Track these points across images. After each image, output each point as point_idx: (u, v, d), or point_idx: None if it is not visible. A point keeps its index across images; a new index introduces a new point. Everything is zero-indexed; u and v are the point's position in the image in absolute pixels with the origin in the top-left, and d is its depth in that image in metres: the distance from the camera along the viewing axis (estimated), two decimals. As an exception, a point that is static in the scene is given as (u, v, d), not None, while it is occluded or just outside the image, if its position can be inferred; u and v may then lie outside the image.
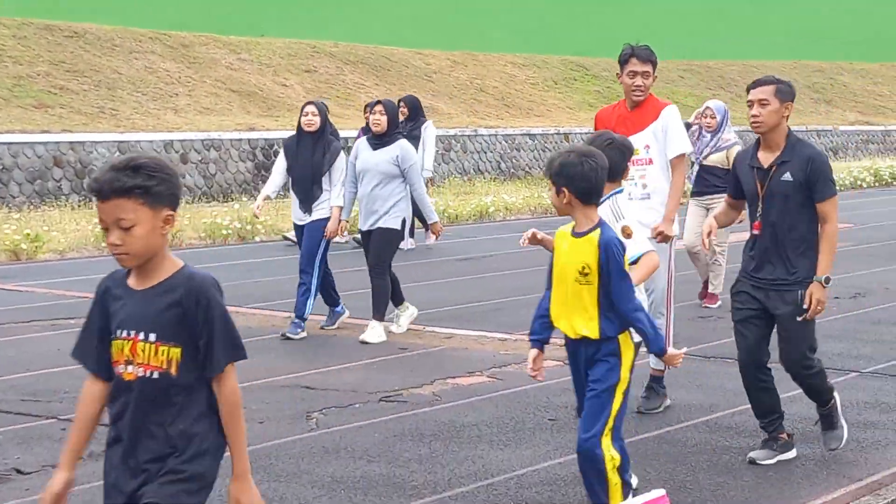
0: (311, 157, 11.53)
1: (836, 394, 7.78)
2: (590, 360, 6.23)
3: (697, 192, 13.21)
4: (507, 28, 42.12)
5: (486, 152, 33.16)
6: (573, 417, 8.57)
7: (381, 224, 11.40)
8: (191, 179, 26.63)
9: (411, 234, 17.93)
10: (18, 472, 7.27)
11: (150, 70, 30.38)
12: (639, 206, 8.48)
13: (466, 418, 8.58)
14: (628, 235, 6.38)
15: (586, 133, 36.10)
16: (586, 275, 6.03)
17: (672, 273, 8.83)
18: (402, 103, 18.32)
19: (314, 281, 11.59)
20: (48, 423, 8.34)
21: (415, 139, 17.44)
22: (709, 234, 7.55)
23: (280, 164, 11.92)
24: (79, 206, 22.84)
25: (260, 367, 10.01)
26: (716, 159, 13.05)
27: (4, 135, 23.79)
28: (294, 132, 11.94)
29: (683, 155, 8.78)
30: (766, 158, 7.40)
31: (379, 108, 11.61)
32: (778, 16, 53.30)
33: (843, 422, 7.82)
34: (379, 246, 11.41)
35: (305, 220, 11.64)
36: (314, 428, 8.31)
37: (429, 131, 18.34)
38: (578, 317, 6.13)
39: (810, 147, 7.48)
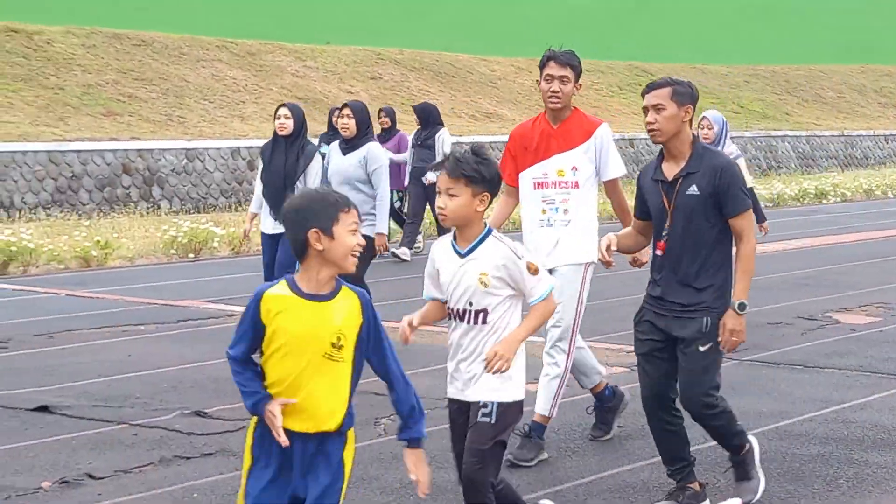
0: (283, 161, 10.91)
1: (752, 440, 6.94)
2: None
3: None
4: (570, 34, 42.06)
5: (550, 158, 33.10)
6: (641, 425, 8.54)
7: None
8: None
9: (410, 246, 17.89)
10: (91, 477, 7.33)
11: (217, 78, 30.60)
12: (557, 234, 7.75)
13: (534, 425, 8.54)
14: (535, 272, 5.60)
15: (651, 138, 36.07)
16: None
17: (583, 303, 7.86)
18: (382, 113, 18.12)
19: None
20: (119, 429, 8.40)
21: (428, 148, 17.28)
22: (608, 247, 6.76)
23: (260, 173, 11.36)
24: (147, 213, 23.04)
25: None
26: None
27: (74, 143, 24.06)
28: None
29: (618, 180, 7.99)
30: (670, 170, 6.57)
31: (346, 111, 10.97)
32: (844, 19, 52.87)
33: (759, 472, 6.95)
34: None
35: (277, 229, 10.74)
36: (382, 434, 8.33)
37: (444, 139, 17.78)
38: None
39: (719, 156, 6.61)
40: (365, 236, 10.14)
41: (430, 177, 16.77)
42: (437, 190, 5.68)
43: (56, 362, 10.43)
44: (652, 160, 6.76)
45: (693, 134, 6.53)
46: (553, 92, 7.84)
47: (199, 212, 23.05)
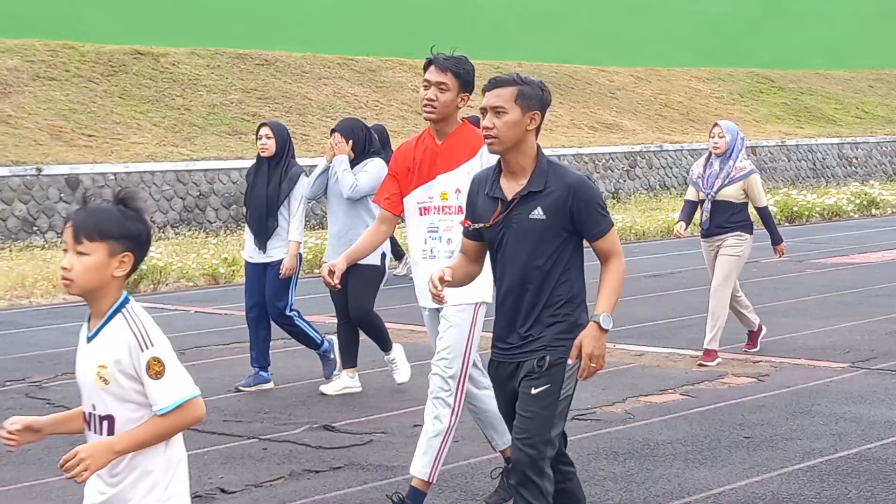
0: (266, 185, 10.10)
1: None
2: None
3: (707, 233, 11.12)
4: (690, 43, 41.72)
5: (671, 167, 32.89)
6: (769, 436, 8.45)
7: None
8: (380, 201, 26.96)
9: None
10: (223, 491, 7.43)
11: (339, 95, 30.86)
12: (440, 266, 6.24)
13: (660, 436, 8.50)
14: (156, 375, 4.12)
15: (774, 146, 35.61)
16: None
17: (472, 349, 6.85)
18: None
19: (299, 323, 10.33)
20: (250, 444, 8.50)
21: None
22: (439, 279, 5.54)
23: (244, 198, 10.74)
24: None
25: (453, 386, 10.05)
26: (730, 193, 10.93)
27: (201, 162, 24.43)
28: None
29: None
30: (509, 188, 5.50)
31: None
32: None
33: None
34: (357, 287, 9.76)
35: (259, 258, 10.19)
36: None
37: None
38: None
39: (568, 173, 5.50)
40: (369, 266, 9.49)
41: None
42: (64, 248, 4.19)
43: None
44: (486, 170, 5.73)
45: (538, 146, 5.52)
46: (428, 100, 6.72)
47: (322, 227, 23.23)
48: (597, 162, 31.38)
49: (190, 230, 22.83)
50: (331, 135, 9.96)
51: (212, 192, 24.33)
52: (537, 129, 5.54)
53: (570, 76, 37.05)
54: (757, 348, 11.45)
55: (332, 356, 10.36)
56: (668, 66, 40.36)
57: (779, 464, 7.78)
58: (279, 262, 10.06)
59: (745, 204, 11.08)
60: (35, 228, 22.39)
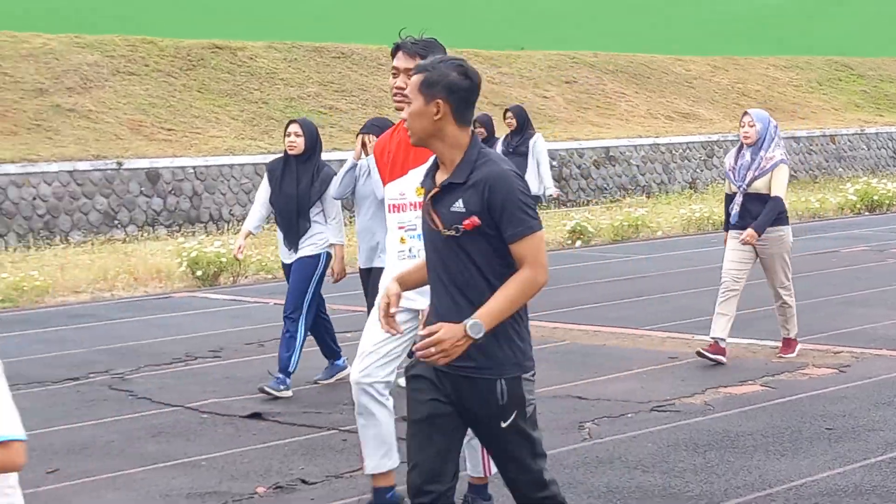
0: (296, 184, 9.82)
1: None
2: None
3: (740, 227, 10.53)
4: (767, 30, 41.36)
5: (749, 157, 32.62)
6: (851, 427, 8.37)
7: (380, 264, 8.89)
8: (456, 193, 26.99)
9: None
10: (303, 482, 7.46)
11: (415, 87, 30.89)
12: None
13: (741, 427, 8.44)
14: None
15: (853, 134, 35.24)
16: None
17: None
18: (476, 123, 16.69)
19: (301, 330, 9.88)
20: (330, 435, 8.54)
21: (521, 155, 15.68)
22: (388, 304, 4.97)
23: (262, 193, 10.24)
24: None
25: (531, 377, 10.05)
26: (761, 185, 10.41)
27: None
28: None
29: None
30: (439, 179, 4.94)
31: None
32: None
33: None
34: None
35: (292, 258, 9.98)
36: (587, 438, 8.31)
37: (538, 146, 15.85)
38: None
39: (493, 164, 4.83)
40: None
41: (551, 190, 15.93)
42: None
43: (267, 370, 10.65)
44: (430, 162, 5.13)
45: (473, 134, 4.95)
46: (398, 89, 6.22)
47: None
48: (673, 152, 31.20)
49: (268, 223, 22.91)
50: (357, 137, 9.18)
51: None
52: (456, 117, 4.88)
53: (646, 65, 36.84)
54: (794, 351, 10.79)
55: (337, 371, 10.35)
56: (745, 55, 40.02)
57: (861, 455, 7.70)
58: (306, 258, 9.86)
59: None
60: (116, 222, 22.65)
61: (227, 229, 22.64)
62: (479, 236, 4.77)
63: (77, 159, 22.67)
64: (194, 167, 23.82)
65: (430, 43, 6.33)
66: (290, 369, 9.73)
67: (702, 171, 31.47)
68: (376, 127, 9.11)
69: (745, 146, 10.62)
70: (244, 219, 23.22)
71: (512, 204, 4.76)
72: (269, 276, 17.03)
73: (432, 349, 4.64)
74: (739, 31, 40.54)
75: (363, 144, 8.86)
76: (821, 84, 40.02)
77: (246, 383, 10.19)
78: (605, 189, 29.41)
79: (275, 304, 14.54)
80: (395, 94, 6.26)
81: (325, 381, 10.24)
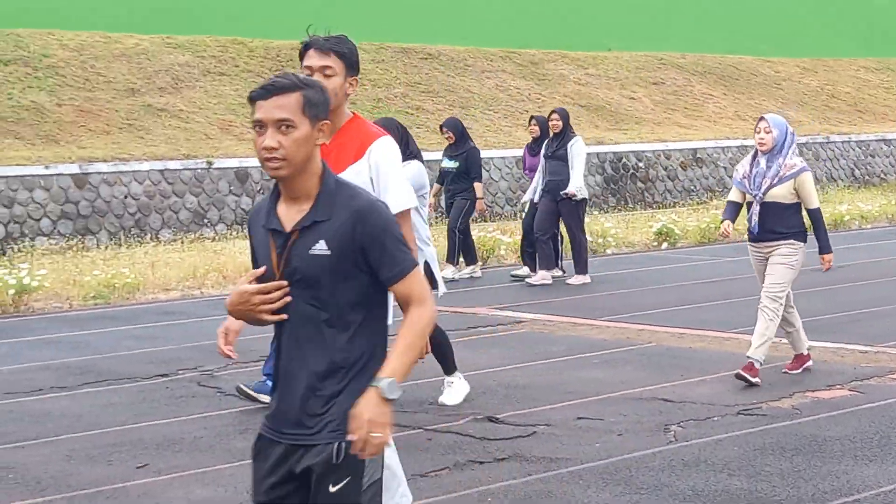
0: None
1: None
2: None
3: (757, 238, 9.92)
4: (858, 32, 40.89)
5: (838, 159, 32.27)
6: (941, 433, 8.24)
7: None
8: (542, 194, 26.93)
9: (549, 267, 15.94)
10: (389, 480, 7.49)
11: (501, 88, 30.90)
12: None
13: (828, 432, 8.36)
14: None
15: (945, 137, 34.70)
16: None
17: None
18: (532, 121, 16.66)
19: None
20: (415, 434, 8.56)
21: (560, 159, 15.46)
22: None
23: None
24: (436, 221, 23.41)
25: (616, 379, 10.02)
26: (779, 193, 9.72)
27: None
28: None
29: (406, 213, 5.79)
30: (289, 217, 4.24)
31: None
32: None
33: None
34: None
35: None
36: (673, 441, 8.26)
37: (576, 148, 15.53)
38: None
39: (361, 195, 4.22)
40: None
41: (572, 189, 15.53)
42: None
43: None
44: (264, 199, 4.39)
45: (323, 163, 4.26)
46: None
47: (485, 220, 23.28)
48: (761, 154, 30.95)
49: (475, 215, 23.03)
50: None
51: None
52: (319, 144, 4.27)
53: (735, 67, 36.56)
54: (798, 371, 10.21)
55: None
56: (834, 57, 39.58)
57: (951, 462, 7.59)
58: None
59: (798, 206, 9.86)
60: (206, 220, 22.86)
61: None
62: (343, 279, 4.16)
63: (168, 158, 22.90)
64: (282, 167, 23.98)
65: (342, 38, 5.80)
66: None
67: (790, 173, 31.23)
68: (383, 128, 8.91)
69: (760, 153, 9.84)
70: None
71: (387, 240, 4.17)
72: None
73: (374, 435, 4.06)
74: (829, 33, 40.10)
75: None
76: (913, 86, 39.48)
77: (332, 381, 10.22)
78: (692, 191, 29.21)
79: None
80: None
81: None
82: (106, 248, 20.24)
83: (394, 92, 28.99)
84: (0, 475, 7.75)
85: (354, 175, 5.56)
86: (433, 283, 8.94)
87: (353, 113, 5.81)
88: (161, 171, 22.53)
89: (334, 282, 4.17)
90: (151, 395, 9.91)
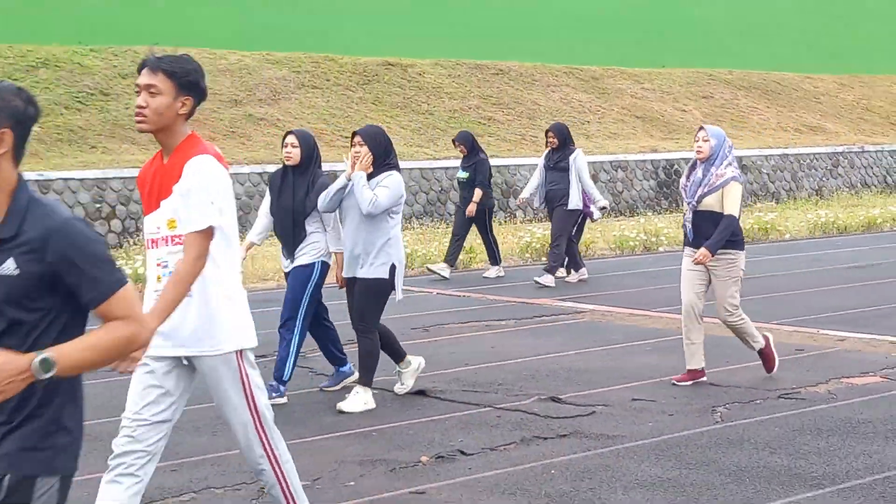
0: (292, 195, 8.90)
1: None
2: None
3: (695, 245, 9.13)
4: (892, 50, 40.32)
5: (872, 167, 31.88)
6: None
7: (361, 274, 8.63)
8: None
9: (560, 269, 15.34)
10: (462, 453, 7.51)
11: (565, 101, 30.81)
12: (179, 310, 5.08)
13: (861, 415, 8.26)
14: None
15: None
16: None
17: (255, 398, 5.39)
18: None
19: (296, 337, 8.95)
20: (486, 411, 8.57)
21: (561, 170, 14.89)
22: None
23: (265, 204, 9.28)
24: (504, 221, 23.40)
25: (668, 365, 9.97)
26: (711, 202, 8.98)
27: (442, 161, 24.70)
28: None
29: (203, 233, 5.03)
30: None
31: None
32: None
33: None
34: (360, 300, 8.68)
35: (289, 267, 9.12)
36: (719, 421, 8.21)
37: (578, 161, 14.88)
38: None
39: (56, 213, 3.55)
40: (369, 278, 8.56)
41: (600, 204, 15.12)
42: None
43: (431, 352, 10.72)
44: None
45: (19, 176, 3.59)
46: (138, 107, 5.07)
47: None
48: (801, 162, 30.62)
49: (432, 221, 23.10)
50: (352, 138, 8.71)
51: (451, 188, 24.57)
52: (20, 153, 3.58)
53: (778, 83, 36.21)
54: (689, 384, 9.24)
55: (343, 378, 9.38)
56: (870, 73, 39.09)
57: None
58: (300, 267, 8.99)
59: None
60: (299, 218, 23.01)
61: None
62: (31, 302, 3.51)
63: (266, 162, 23.05)
64: (368, 171, 24.09)
65: (179, 58, 5.15)
66: (285, 378, 8.89)
67: (827, 179, 30.82)
68: (370, 135, 8.59)
69: (698, 162, 9.16)
70: (412, 217, 23.46)
71: (85, 261, 3.50)
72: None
73: None
74: (866, 51, 39.58)
75: (353, 161, 8.52)
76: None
77: (412, 364, 10.25)
78: (738, 195, 28.99)
79: (437, 293, 14.64)
80: (136, 114, 5.09)
81: (332, 389, 9.31)
82: (211, 242, 20.38)
83: (468, 104, 28.99)
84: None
85: (181, 195, 5.07)
86: (389, 290, 8.61)
87: (191, 132, 5.20)
88: (260, 174, 22.69)
89: (19, 305, 3.50)
90: (251, 373, 9.96)
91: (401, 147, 25.52)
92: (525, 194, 15.87)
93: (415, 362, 9.21)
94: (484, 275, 16.21)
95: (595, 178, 26.27)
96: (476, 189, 15.87)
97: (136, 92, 5.14)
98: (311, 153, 8.99)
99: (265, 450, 5.41)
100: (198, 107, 5.15)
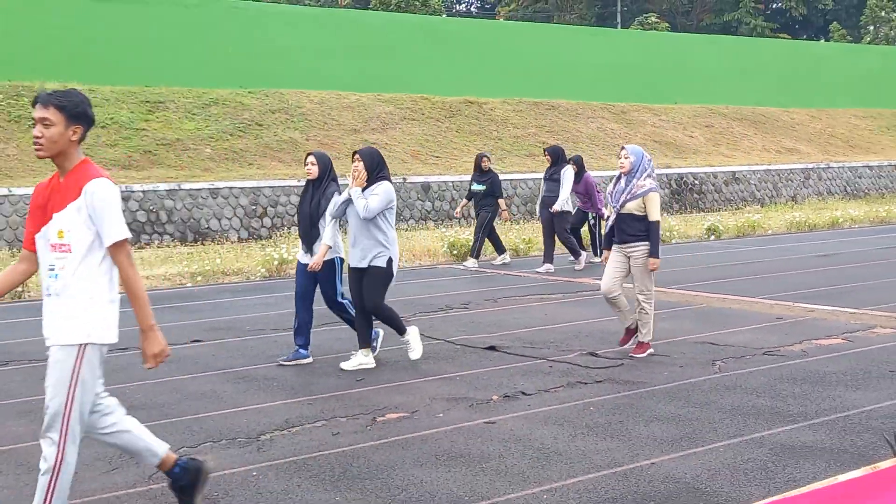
0: (310, 202, 8.56)
1: None
2: None
3: (619, 241, 8.64)
4: (852, 90, 39.43)
5: (835, 180, 31.24)
6: (908, 371, 7.93)
7: (366, 264, 8.30)
8: (627, 201, 26.62)
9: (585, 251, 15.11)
10: (523, 393, 7.47)
11: (601, 130, 30.56)
12: (52, 306, 4.59)
13: (827, 368, 8.10)
14: None
15: (912, 164, 33.26)
16: None
17: (77, 389, 4.53)
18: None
19: (347, 307, 8.67)
20: (540, 363, 8.51)
21: (555, 181, 14.46)
22: None
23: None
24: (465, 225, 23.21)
25: (678, 328, 9.85)
26: (632, 207, 8.51)
27: (508, 174, 24.59)
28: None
29: (124, 241, 4.59)
30: None
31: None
32: None
33: None
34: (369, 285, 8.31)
35: (306, 259, 8.62)
36: (717, 372, 8.09)
37: (566, 175, 14.47)
38: None
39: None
40: (378, 267, 8.22)
41: (557, 207, 14.44)
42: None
43: (499, 318, 10.70)
44: None
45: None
46: (35, 137, 4.63)
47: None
48: (780, 175, 30.11)
49: (498, 221, 22.96)
50: (353, 156, 8.28)
51: (514, 195, 24.50)
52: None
53: (763, 115, 35.60)
54: (644, 353, 8.61)
55: (299, 358, 8.63)
56: (834, 107, 38.30)
57: (915, 391, 7.31)
58: (325, 261, 8.52)
59: (645, 217, 8.52)
60: (401, 218, 23.04)
61: (475, 223, 22.78)
62: None
63: (377, 175, 23.14)
64: (452, 181, 24.05)
65: (67, 92, 4.65)
66: (372, 340, 8.54)
67: (801, 188, 30.27)
68: (368, 155, 8.24)
69: (622, 175, 8.62)
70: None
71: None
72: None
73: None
74: (831, 91, 38.76)
75: (354, 177, 8.23)
76: (889, 129, 37.98)
77: (486, 326, 10.24)
78: (731, 200, 28.56)
79: (504, 273, 14.59)
80: (34, 143, 4.63)
81: (287, 363, 8.56)
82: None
83: (527, 132, 28.86)
84: (268, 383, 7.93)
85: (76, 211, 4.56)
86: (390, 277, 8.25)
87: (85, 157, 4.65)
88: (372, 184, 22.76)
89: None
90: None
91: (477, 164, 25.39)
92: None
93: (414, 332, 8.62)
94: (494, 262, 15.61)
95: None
96: (499, 199, 15.28)
97: (32, 124, 4.73)
98: (326, 170, 8.55)
99: (60, 439, 4.54)
100: (88, 132, 4.64)
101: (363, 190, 8.19)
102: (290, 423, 6.72)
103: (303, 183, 21.55)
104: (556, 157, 14.71)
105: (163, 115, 24.13)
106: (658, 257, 8.53)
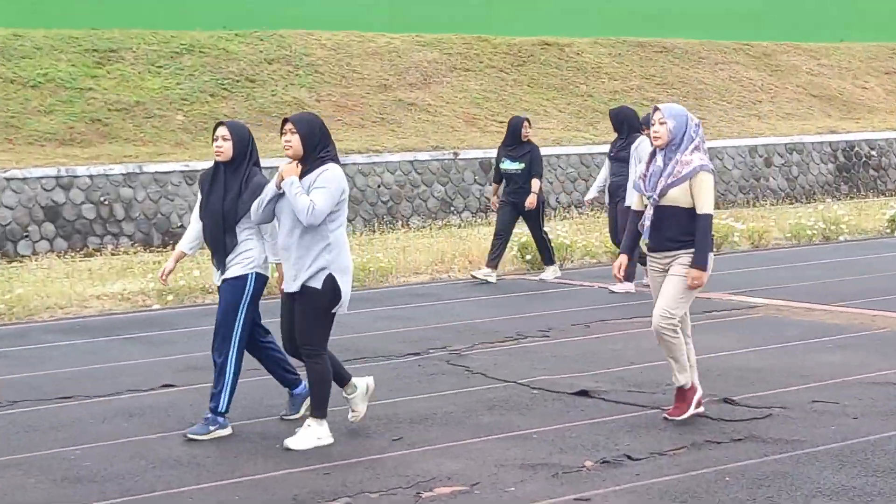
0: (222, 196, 8.04)
1: None
2: None
3: (655, 246, 8.10)
4: None
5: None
6: None
7: (296, 287, 7.79)
8: (774, 182, 26.43)
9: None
10: (628, 458, 7.46)
11: (735, 80, 30.41)
12: None
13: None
14: None
15: None
16: None
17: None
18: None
19: (230, 365, 8.10)
20: (654, 413, 8.50)
21: (623, 161, 13.99)
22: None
23: (197, 206, 8.38)
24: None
25: (851, 364, 9.77)
26: (676, 195, 7.91)
27: (602, 146, 24.59)
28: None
29: None
30: None
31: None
32: None
33: None
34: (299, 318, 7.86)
35: (220, 279, 8.22)
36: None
37: (640, 148, 13.62)
38: None
39: None
40: (310, 289, 7.73)
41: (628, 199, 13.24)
42: None
43: (592, 349, 10.68)
44: None
45: None
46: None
47: (717, 208, 22.97)
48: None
49: (592, 210, 22.95)
50: (282, 125, 7.82)
51: (546, 180, 24.49)
52: None
53: None
54: (686, 414, 8.24)
55: (302, 401, 8.51)
56: None
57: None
58: (231, 280, 8.11)
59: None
60: (452, 208, 23.14)
61: (553, 216, 22.80)
62: None
63: (417, 150, 23.26)
64: (524, 157, 24.08)
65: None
66: (220, 409, 8.09)
67: None
68: (303, 122, 7.73)
69: (656, 150, 8.08)
70: (570, 206, 23.40)
71: None
72: (594, 261, 17.06)
73: None
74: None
75: (281, 173, 7.72)
76: None
77: (574, 362, 10.24)
78: (925, 178, 28.25)
79: (599, 287, 14.56)
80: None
81: (294, 417, 8.53)
82: (361, 234, 20.67)
83: (629, 84, 28.82)
84: (267, 444, 7.97)
85: None
86: (334, 304, 7.78)
87: None
88: (411, 162, 22.90)
89: None
90: (404, 372, 10.07)
91: (558, 131, 25.50)
92: (591, 195, 15.35)
93: (361, 385, 8.25)
94: (540, 277, 15.25)
95: (769, 162, 25.92)
96: (534, 179, 14.86)
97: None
98: (244, 148, 8.11)
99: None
100: None
101: (301, 178, 7.66)
102: (299, 502, 6.76)
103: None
104: (621, 125, 14.29)
105: (116, 70, 24.45)
106: (705, 269, 8.04)
